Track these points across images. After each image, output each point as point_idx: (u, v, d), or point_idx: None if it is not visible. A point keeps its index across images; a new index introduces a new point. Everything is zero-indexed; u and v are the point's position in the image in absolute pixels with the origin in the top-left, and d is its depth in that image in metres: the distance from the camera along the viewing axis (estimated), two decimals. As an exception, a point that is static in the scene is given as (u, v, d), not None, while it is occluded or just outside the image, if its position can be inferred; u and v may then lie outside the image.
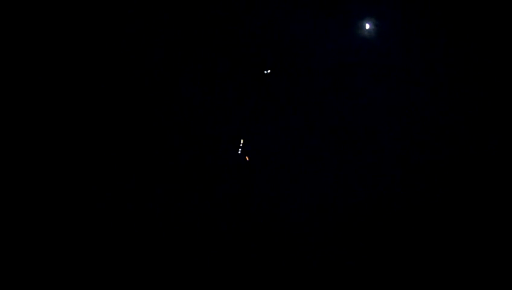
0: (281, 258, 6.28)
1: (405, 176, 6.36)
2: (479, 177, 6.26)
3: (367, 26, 6.44)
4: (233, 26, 6.54)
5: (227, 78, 6.56)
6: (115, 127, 6.44)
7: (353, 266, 6.21)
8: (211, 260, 6.24)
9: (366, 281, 6.18)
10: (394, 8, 6.44)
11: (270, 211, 6.39)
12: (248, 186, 6.44)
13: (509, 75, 6.31)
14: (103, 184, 6.31)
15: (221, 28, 6.54)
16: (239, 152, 6.50)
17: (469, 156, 6.31)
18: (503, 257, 6.05)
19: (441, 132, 6.36)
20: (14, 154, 6.24)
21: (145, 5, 6.47)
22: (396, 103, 6.43)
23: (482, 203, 6.21)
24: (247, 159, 6.46)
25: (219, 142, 6.51)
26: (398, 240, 6.25)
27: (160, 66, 6.51)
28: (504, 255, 6.05)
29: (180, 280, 6.19)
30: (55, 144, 6.33)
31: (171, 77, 6.53)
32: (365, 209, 6.33)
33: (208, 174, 6.45)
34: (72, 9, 6.42)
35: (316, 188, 6.41)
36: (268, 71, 5.50)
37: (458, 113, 6.35)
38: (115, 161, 6.38)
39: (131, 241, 6.23)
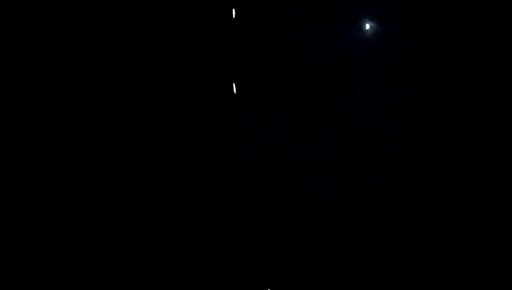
0: (280, 257, 6.29)
1: (405, 175, 6.37)
2: (480, 177, 6.27)
3: (367, 26, 6.45)
4: (231, 26, 6.55)
5: (226, 78, 6.58)
6: (114, 126, 6.45)
7: (353, 266, 6.22)
8: (210, 259, 6.25)
9: (366, 281, 6.19)
10: (394, 7, 6.45)
11: (269, 211, 6.40)
12: (246, 185, 6.44)
13: (509, 74, 6.32)
14: (102, 184, 6.33)
15: (220, 28, 6.56)
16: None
17: (470, 155, 6.31)
18: (504, 257, 6.06)
19: (442, 131, 6.37)
20: (14, 154, 6.26)
21: (145, 5, 6.49)
22: (397, 103, 6.44)
23: (483, 202, 6.22)
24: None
25: (218, 142, 6.52)
26: (399, 240, 6.25)
27: (159, 65, 6.52)
28: (504, 255, 6.06)
29: (180, 280, 6.20)
30: (54, 144, 6.34)
31: (170, 76, 6.54)
32: (365, 209, 6.34)
33: (207, 174, 6.46)
34: (71, 9, 6.45)
35: (315, 187, 6.42)
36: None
37: (459, 113, 6.36)
38: (113, 160, 6.39)
39: (131, 240, 6.25)
